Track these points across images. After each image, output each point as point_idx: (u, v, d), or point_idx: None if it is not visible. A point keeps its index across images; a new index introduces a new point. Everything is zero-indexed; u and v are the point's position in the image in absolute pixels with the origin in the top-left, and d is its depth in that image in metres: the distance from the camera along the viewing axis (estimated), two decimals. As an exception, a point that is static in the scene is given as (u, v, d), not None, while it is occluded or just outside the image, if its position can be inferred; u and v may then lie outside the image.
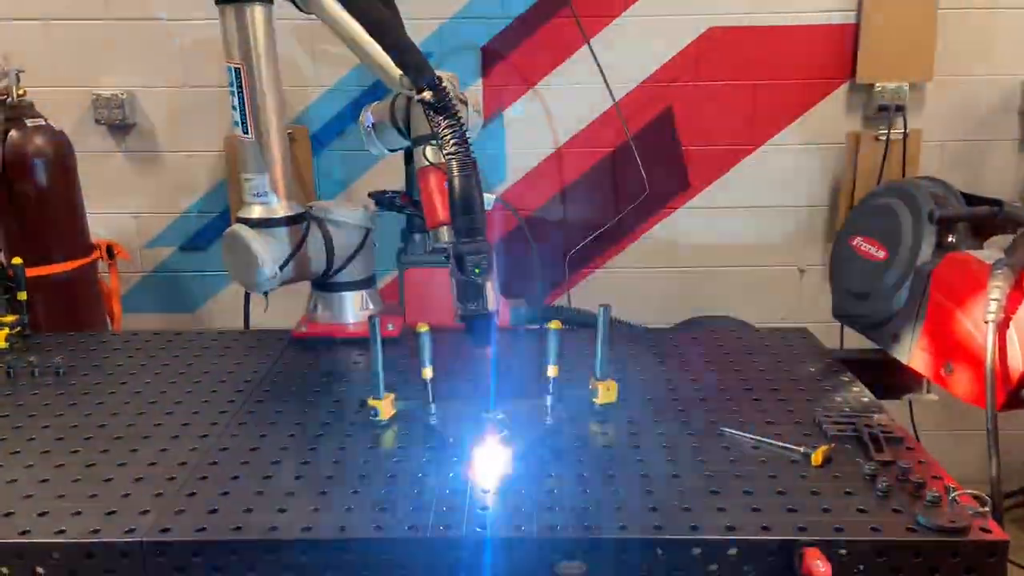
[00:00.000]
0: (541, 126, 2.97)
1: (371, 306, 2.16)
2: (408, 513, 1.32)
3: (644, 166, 2.97)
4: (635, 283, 3.09)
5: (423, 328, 1.57)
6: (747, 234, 3.07)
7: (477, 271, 1.43)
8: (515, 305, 2.16)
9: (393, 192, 2.16)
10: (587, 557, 1.26)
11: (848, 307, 2.07)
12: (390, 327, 2.08)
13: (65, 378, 1.87)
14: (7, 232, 2.65)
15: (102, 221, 2.99)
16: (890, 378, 1.96)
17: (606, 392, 1.65)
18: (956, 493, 1.34)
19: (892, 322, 1.91)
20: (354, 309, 2.14)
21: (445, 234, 1.70)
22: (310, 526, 1.28)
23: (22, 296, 2.13)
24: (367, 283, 2.16)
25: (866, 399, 1.73)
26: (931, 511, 1.30)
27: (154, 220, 3.12)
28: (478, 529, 1.28)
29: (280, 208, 1.98)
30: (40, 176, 2.61)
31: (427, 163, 1.77)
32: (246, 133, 1.93)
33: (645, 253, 3.08)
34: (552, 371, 1.59)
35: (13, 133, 2.57)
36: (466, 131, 1.49)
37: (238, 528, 1.29)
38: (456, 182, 1.42)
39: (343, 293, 2.13)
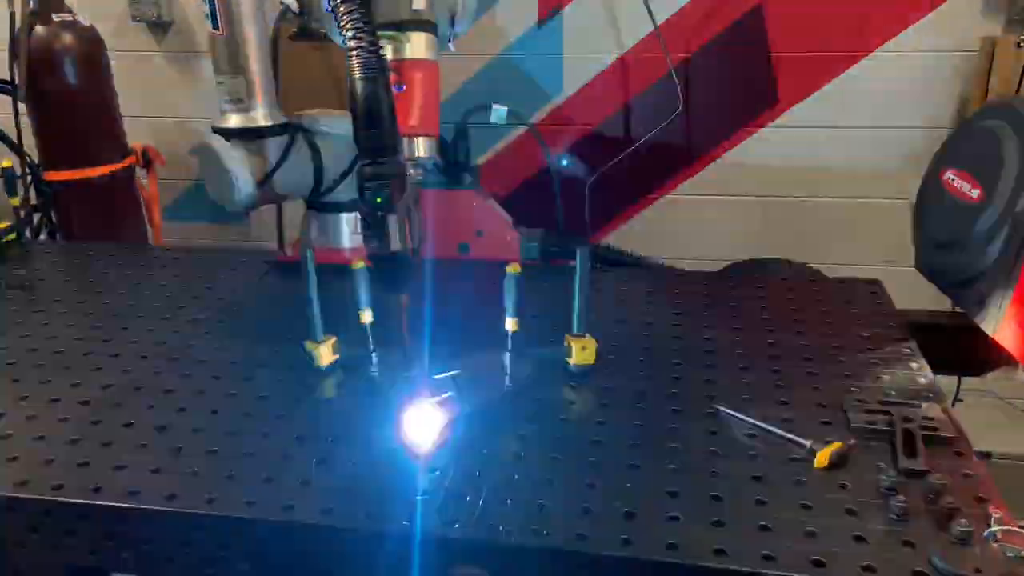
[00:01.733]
0: (604, 27, 2.59)
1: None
2: (325, 491, 1.10)
3: (724, 76, 2.56)
4: (706, 214, 2.71)
5: (358, 265, 1.33)
6: (846, 160, 2.61)
7: (378, 200, 1.16)
8: (528, 236, 1.88)
9: (390, 99, 1.90)
10: (487, 560, 1.02)
11: (932, 259, 1.65)
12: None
13: (27, 292, 1.77)
14: (38, 134, 2.58)
15: (143, 125, 2.89)
16: (971, 352, 1.57)
17: (581, 352, 1.37)
18: (999, 528, 1.00)
19: (980, 282, 1.50)
20: (349, 233, 1.92)
21: (421, 147, 1.44)
22: (189, 496, 1.10)
23: (14, 202, 2.04)
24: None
25: (923, 380, 1.36)
26: (954, 551, 0.97)
27: (198, 125, 2.99)
28: (404, 523, 1.05)
29: (260, 117, 1.76)
30: (68, 74, 2.50)
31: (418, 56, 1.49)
32: (216, 28, 1.71)
33: (720, 179, 2.68)
34: (510, 324, 1.32)
35: (39, 28, 2.46)
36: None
37: (98, 490, 1.12)
38: (358, 86, 1.14)
39: (337, 215, 1.91)
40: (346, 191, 1.88)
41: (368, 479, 1.12)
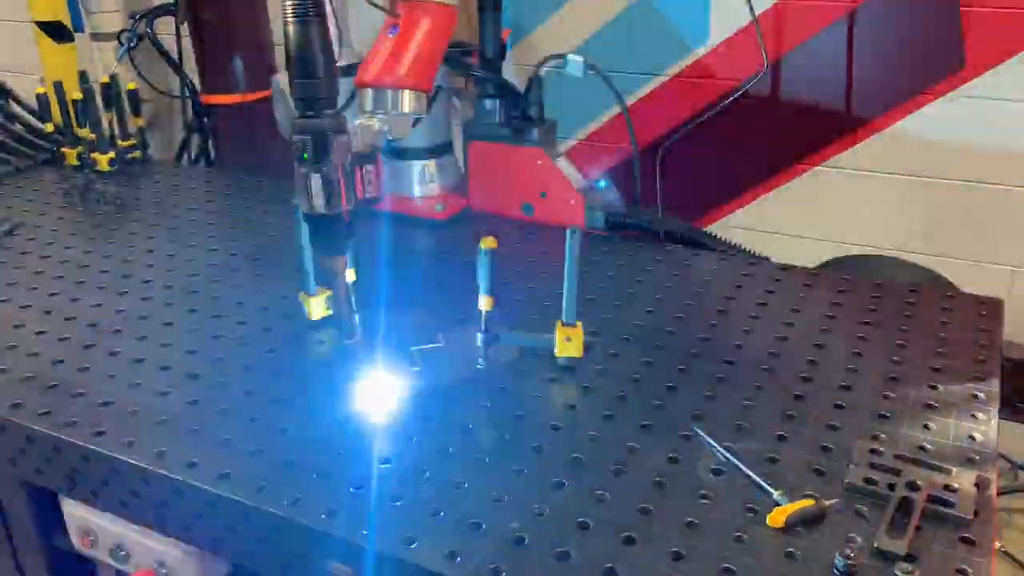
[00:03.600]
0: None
1: (437, 180, 1.86)
2: (269, 466, 1.06)
3: (900, 32, 2.17)
4: (857, 192, 2.34)
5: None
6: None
7: (304, 157, 1.08)
8: (593, 203, 1.72)
9: (463, 46, 1.79)
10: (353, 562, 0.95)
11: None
12: (437, 208, 1.77)
13: (116, 209, 1.89)
14: (197, 59, 2.73)
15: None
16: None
17: (564, 344, 1.22)
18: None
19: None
20: (415, 181, 1.86)
21: (407, 102, 1.36)
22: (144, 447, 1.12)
23: (138, 122, 2.18)
24: (437, 152, 1.86)
25: (978, 437, 1.08)
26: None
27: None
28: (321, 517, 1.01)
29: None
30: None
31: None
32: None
33: (881, 154, 2.30)
34: (484, 303, 1.20)
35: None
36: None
37: (46, 413, 1.16)
38: (290, 29, 1.06)
39: (408, 162, 1.85)
40: (413, 137, 1.82)
41: (307, 457, 1.07)
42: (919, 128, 2.26)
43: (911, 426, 1.10)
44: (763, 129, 2.38)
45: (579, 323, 1.23)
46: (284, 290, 1.47)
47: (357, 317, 1.31)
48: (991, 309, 1.39)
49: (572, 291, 1.20)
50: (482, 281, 1.18)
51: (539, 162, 1.72)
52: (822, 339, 1.31)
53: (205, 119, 2.84)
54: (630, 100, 2.44)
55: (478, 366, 1.23)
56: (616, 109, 2.43)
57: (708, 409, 1.14)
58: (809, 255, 2.30)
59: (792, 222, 2.44)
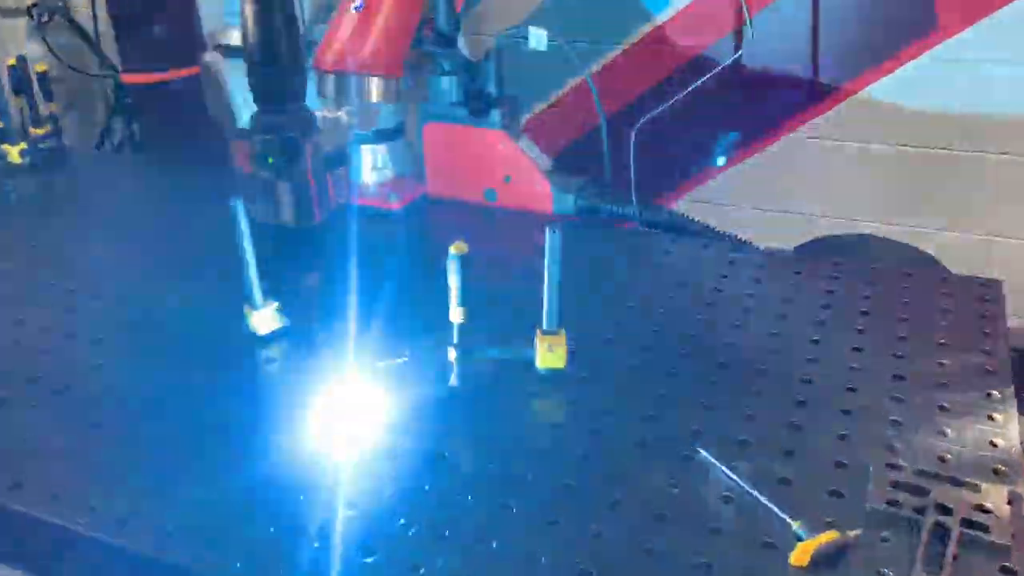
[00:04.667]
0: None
1: (390, 166, 1.71)
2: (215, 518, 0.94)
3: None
4: (831, 161, 2.27)
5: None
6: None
7: (269, 161, 0.92)
8: (562, 187, 1.59)
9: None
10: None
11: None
12: (392, 198, 1.63)
13: (30, 208, 1.70)
14: (116, 34, 2.51)
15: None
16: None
17: (546, 354, 1.10)
18: None
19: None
20: (367, 167, 1.70)
21: (374, 89, 1.19)
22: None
23: (52, 107, 1.97)
24: (389, 135, 1.70)
25: (1000, 443, 0.99)
26: None
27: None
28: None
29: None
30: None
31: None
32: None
33: (851, 123, 2.22)
34: (455, 315, 1.07)
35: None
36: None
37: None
38: (247, 10, 0.90)
39: (357, 146, 1.70)
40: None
41: (260, 505, 0.93)
42: (892, 93, 2.18)
43: (926, 432, 1.01)
44: (732, 98, 2.27)
45: (561, 330, 1.11)
46: (226, 299, 1.32)
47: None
48: (991, 292, 1.31)
49: (554, 295, 1.08)
50: (453, 290, 1.05)
51: (501, 144, 1.59)
52: (818, 333, 1.22)
53: (127, 101, 2.63)
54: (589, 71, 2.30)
55: (451, 384, 1.11)
56: (572, 82, 2.30)
57: (706, 421, 1.04)
58: (783, 228, 2.22)
59: (764, 194, 2.36)
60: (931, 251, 1.79)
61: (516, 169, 1.59)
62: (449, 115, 1.61)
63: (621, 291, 1.35)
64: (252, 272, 1.19)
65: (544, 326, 1.10)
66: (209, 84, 1.56)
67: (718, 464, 0.96)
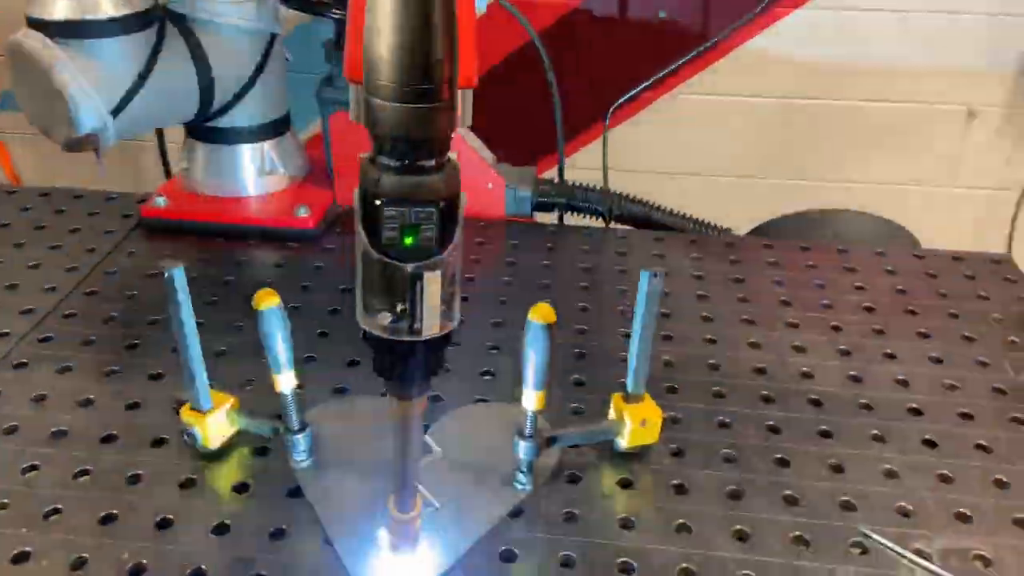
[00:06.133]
0: None
1: (281, 169, 1.33)
2: None
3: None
4: (715, 118, 2.15)
5: (266, 304, 0.75)
6: (899, 49, 2.05)
7: (408, 241, 0.54)
8: (518, 184, 1.31)
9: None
10: None
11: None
12: (301, 211, 1.26)
13: None
14: None
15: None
16: None
17: (639, 429, 0.84)
18: None
19: None
20: (251, 173, 1.31)
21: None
22: None
23: None
24: (274, 129, 1.32)
25: None
26: None
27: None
28: None
29: (108, 2, 1.11)
30: None
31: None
32: None
33: (737, 73, 2.11)
34: (533, 401, 0.78)
35: None
36: None
37: None
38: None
39: (233, 147, 1.29)
40: (241, 113, 1.27)
41: None
42: (775, 43, 2.08)
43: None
44: (607, 54, 2.07)
45: (645, 395, 0.85)
46: (136, 390, 0.92)
47: (299, 440, 0.83)
48: (1007, 265, 1.22)
49: (645, 353, 0.82)
50: (533, 369, 0.75)
51: (439, 137, 1.26)
52: (844, 341, 1.05)
53: None
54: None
55: (519, 488, 0.82)
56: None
57: (851, 489, 0.84)
58: (671, 191, 2.08)
59: (649, 155, 2.19)
60: (818, 204, 1.72)
61: (461, 166, 1.27)
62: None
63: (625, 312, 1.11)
64: (196, 365, 0.81)
65: (629, 388, 0.84)
66: (28, 79, 1.09)
67: (901, 551, 0.77)
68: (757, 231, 1.47)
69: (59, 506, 0.78)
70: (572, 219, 1.40)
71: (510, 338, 1.03)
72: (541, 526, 0.78)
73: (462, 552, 0.75)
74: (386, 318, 0.57)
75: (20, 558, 0.73)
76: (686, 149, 2.17)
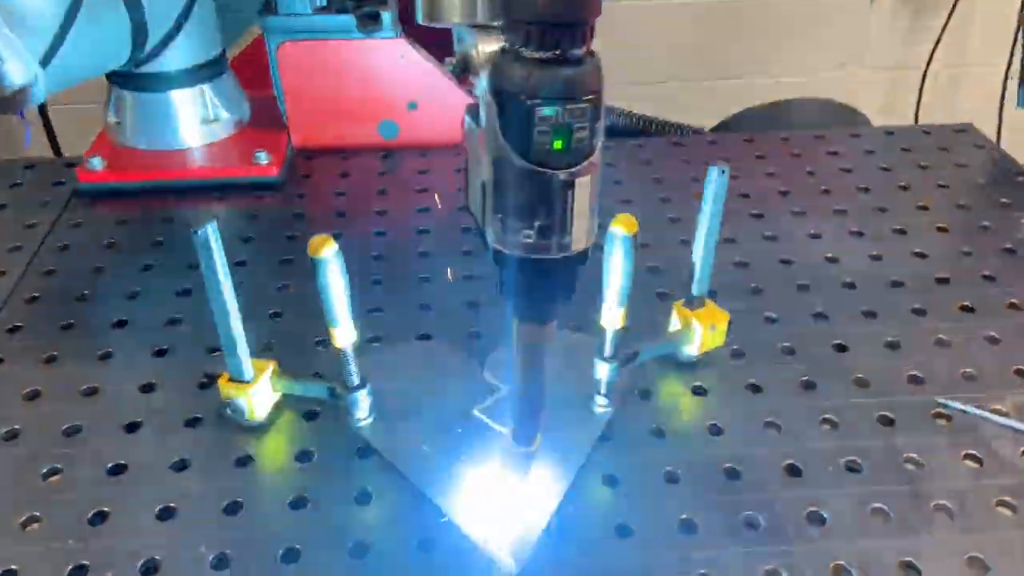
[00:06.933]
0: None
1: (225, 113, 1.20)
2: None
3: None
4: (642, 24, 2.12)
5: (323, 251, 0.66)
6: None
7: (559, 144, 0.45)
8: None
9: None
10: None
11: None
12: (261, 158, 1.14)
13: None
14: None
15: None
16: None
17: (709, 334, 0.82)
18: None
19: None
20: (194, 122, 1.18)
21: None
22: None
23: None
24: (212, 70, 1.19)
25: None
26: None
27: None
28: None
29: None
30: None
31: None
32: None
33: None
34: (615, 318, 0.73)
35: None
36: None
37: None
38: None
39: (169, 93, 1.16)
40: (175, 54, 1.13)
41: None
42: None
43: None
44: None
45: (706, 299, 0.83)
46: (169, 369, 0.82)
47: (359, 397, 0.76)
48: (970, 132, 1.26)
49: (712, 251, 0.79)
50: (617, 283, 0.71)
51: (402, 58, 1.17)
52: (853, 223, 1.06)
53: None
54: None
55: (601, 412, 0.78)
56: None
57: (912, 364, 0.84)
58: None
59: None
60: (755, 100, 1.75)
61: (426, 89, 1.19)
62: (314, 28, 1.15)
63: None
64: (235, 330, 0.72)
65: (694, 291, 0.81)
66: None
67: (988, 415, 0.78)
68: (718, 130, 1.46)
69: (105, 508, 0.69)
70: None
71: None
72: (632, 446, 0.75)
73: (568, 485, 0.70)
74: (530, 235, 0.50)
75: (78, 570, 0.64)
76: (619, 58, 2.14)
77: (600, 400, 0.78)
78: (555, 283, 0.54)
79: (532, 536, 0.65)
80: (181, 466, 0.73)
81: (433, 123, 1.21)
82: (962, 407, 0.79)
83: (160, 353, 0.86)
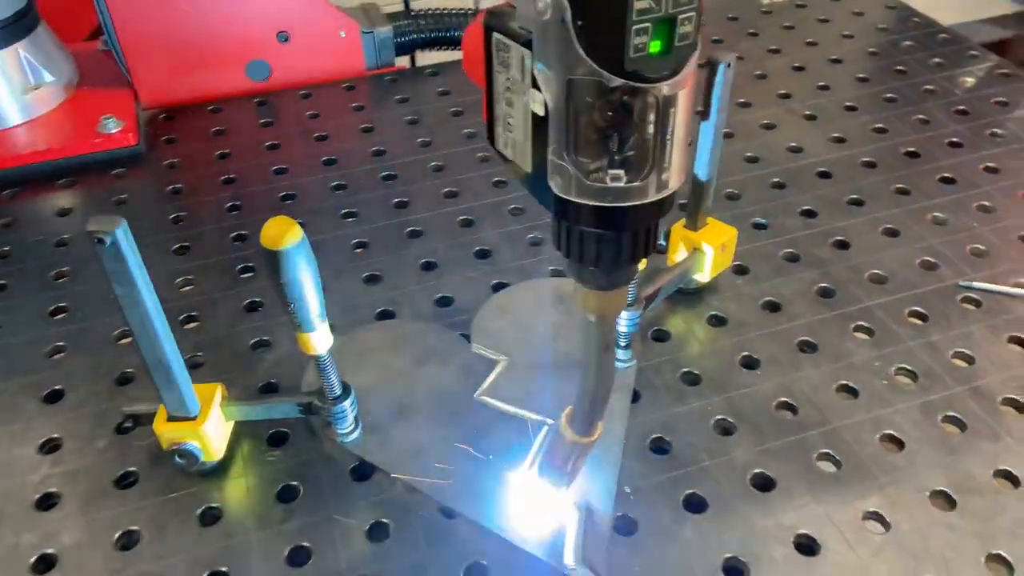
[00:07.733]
0: None
1: (48, 76, 0.96)
2: None
3: None
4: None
5: (287, 240, 0.50)
6: None
7: (657, 47, 0.32)
8: (371, 24, 1.05)
9: None
10: None
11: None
12: (111, 126, 0.92)
13: None
14: None
15: None
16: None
17: (720, 255, 0.71)
18: None
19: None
20: (14, 90, 0.94)
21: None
22: None
23: None
24: (24, 25, 0.94)
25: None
26: None
27: None
28: None
29: None
30: None
31: None
32: None
33: None
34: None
35: None
36: None
37: None
38: None
39: (-26, 57, 0.91)
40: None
41: None
42: None
43: None
44: None
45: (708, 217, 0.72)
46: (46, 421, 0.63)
47: (341, 409, 0.61)
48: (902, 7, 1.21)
49: (720, 146, 0.68)
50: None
51: (265, -20, 0.97)
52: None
53: None
54: None
55: (625, 367, 0.66)
56: None
57: (917, 250, 0.78)
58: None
59: None
60: None
61: (298, 15, 0.99)
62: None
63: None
64: (174, 364, 0.55)
65: (709, 204, 0.70)
66: None
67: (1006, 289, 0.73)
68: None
69: (42, 626, 0.51)
70: (424, 57, 1.18)
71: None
72: (670, 399, 0.64)
73: (620, 460, 0.59)
74: (618, 175, 0.37)
75: None
76: None
77: (621, 355, 0.66)
78: (639, 236, 0.41)
79: (602, 541, 0.54)
80: (127, 543, 0.56)
81: (314, 56, 1.02)
82: (987, 286, 0.73)
83: (52, 398, 0.66)
